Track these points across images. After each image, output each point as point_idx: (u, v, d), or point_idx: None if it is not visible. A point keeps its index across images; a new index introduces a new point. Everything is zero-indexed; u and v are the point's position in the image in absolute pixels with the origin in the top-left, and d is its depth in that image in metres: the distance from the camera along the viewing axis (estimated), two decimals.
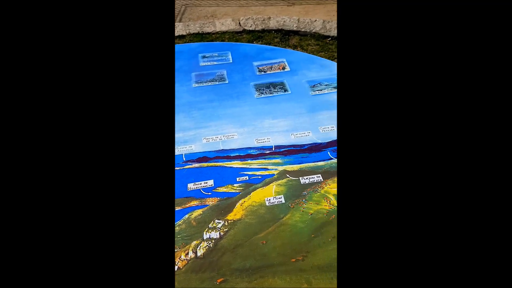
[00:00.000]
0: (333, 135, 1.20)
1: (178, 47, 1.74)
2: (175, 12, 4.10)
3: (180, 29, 3.69)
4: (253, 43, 3.67)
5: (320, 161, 1.11)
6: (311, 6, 4.43)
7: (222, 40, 3.78)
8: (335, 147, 1.15)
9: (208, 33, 3.84)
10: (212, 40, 3.79)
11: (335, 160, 1.10)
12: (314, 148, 1.15)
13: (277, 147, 1.16)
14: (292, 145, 1.16)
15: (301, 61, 1.55)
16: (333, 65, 1.52)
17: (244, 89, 1.43)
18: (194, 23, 3.82)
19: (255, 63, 1.56)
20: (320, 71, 1.49)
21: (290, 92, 1.39)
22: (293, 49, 3.62)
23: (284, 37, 3.74)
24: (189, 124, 1.26)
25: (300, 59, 1.57)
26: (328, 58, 3.34)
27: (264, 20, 3.88)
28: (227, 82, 1.47)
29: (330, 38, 3.65)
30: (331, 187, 1.03)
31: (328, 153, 1.14)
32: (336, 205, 0.97)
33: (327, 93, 1.38)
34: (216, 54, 1.63)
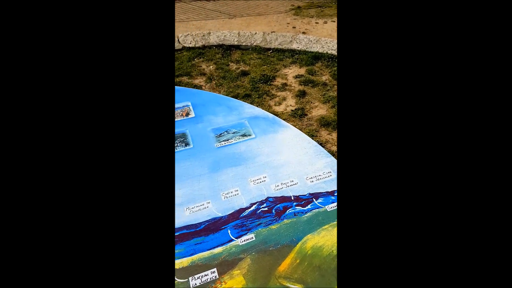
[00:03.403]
0: (237, 202, 0.93)
1: None
2: None
3: None
4: (194, 60, 3.34)
5: (217, 246, 0.83)
6: (252, 18, 4.15)
7: None
8: (237, 221, 0.89)
9: None
10: None
11: (235, 242, 0.84)
12: (212, 227, 0.88)
13: None
14: (185, 226, 0.88)
15: (208, 103, 1.25)
16: (242, 105, 1.24)
17: None
18: None
19: None
20: (228, 115, 1.20)
21: (192, 146, 1.10)
22: (236, 64, 3.35)
23: (225, 52, 3.44)
24: None
25: (207, 100, 1.27)
26: (270, 72, 3.10)
27: (204, 35, 3.55)
28: None
29: (271, 51, 3.41)
30: (228, 285, 0.76)
31: (229, 231, 0.87)
32: None
33: (234, 143, 1.10)
34: None
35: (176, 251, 0.82)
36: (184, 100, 1.27)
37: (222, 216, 0.88)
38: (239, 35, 3.45)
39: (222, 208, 0.90)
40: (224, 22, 3.93)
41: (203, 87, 3.00)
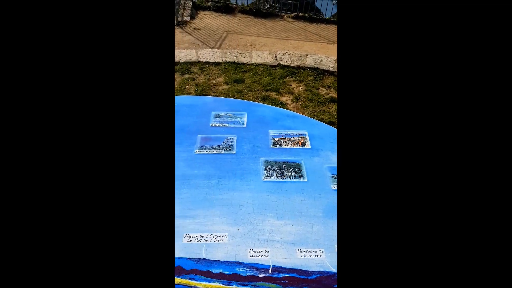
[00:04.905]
0: None
1: (191, 99, 1.46)
2: (218, 37, 3.94)
3: (217, 56, 3.49)
4: (285, 78, 3.36)
5: None
6: None
7: (256, 72, 3.52)
8: None
9: (243, 63, 3.59)
10: (246, 71, 3.54)
11: None
12: (325, 281, 0.78)
13: (275, 269, 0.81)
14: (296, 270, 0.80)
15: (326, 137, 1.18)
16: None
17: (251, 165, 1.08)
18: (232, 51, 3.61)
19: (271, 132, 1.20)
20: None
21: (306, 180, 1.03)
22: (326, 89, 3.26)
23: (318, 76, 3.38)
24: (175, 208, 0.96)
25: (325, 133, 1.19)
26: None
27: (301, 56, 3.55)
28: (234, 152, 1.13)
29: None
30: None
31: None
32: None
33: None
34: (231, 114, 1.29)
35: None
36: (301, 128, 1.22)
37: (336, 273, 0.79)
38: (335, 62, 3.36)
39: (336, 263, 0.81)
40: (322, 46, 3.89)
41: (288, 105, 2.97)
